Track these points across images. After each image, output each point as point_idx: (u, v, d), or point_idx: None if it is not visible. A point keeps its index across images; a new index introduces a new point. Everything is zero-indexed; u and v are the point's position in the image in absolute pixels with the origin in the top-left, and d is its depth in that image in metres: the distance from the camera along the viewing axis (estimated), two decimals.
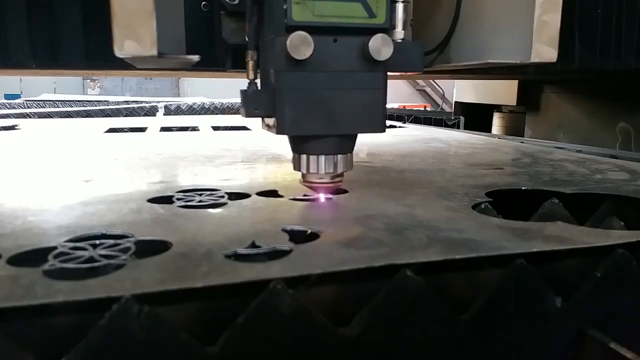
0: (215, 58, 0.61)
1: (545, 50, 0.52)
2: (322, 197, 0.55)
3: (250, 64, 0.50)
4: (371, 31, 0.47)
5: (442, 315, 0.35)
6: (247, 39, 0.50)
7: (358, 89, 0.49)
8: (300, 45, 0.45)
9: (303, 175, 0.53)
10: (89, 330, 0.28)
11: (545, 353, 0.38)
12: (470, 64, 0.60)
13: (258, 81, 0.51)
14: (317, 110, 0.48)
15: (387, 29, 0.48)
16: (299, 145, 0.52)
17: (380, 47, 0.47)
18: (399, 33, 0.51)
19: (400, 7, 0.51)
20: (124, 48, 0.46)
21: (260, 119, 0.53)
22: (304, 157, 0.52)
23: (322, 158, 0.51)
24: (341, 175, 0.53)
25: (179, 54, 0.56)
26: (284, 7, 0.45)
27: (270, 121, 0.50)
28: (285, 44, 0.45)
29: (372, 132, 0.51)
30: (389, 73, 0.51)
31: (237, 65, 0.57)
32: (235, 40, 0.54)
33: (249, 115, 0.49)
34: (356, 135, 0.53)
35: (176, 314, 0.31)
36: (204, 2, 0.59)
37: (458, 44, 0.61)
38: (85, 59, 0.63)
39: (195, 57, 0.56)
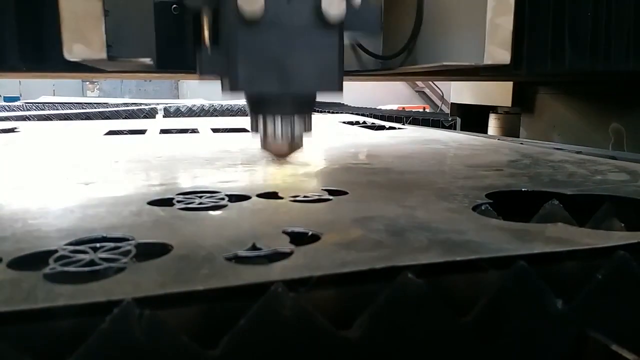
0: (186, 60, 0.61)
1: (498, 53, 0.53)
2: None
3: (206, 24, 0.49)
4: None
5: (443, 317, 0.35)
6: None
7: (312, 48, 0.48)
8: (251, 2, 0.44)
9: (261, 139, 0.52)
10: (90, 334, 0.28)
11: (546, 355, 0.38)
12: (430, 66, 0.60)
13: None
14: (271, 68, 0.47)
15: None
16: (255, 106, 0.51)
17: (333, 5, 0.46)
18: None
19: None
20: (73, 51, 0.46)
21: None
22: (260, 118, 0.51)
23: (278, 119, 0.51)
24: (300, 138, 0.52)
25: (142, 57, 0.57)
26: None
27: (227, 82, 0.49)
28: (237, 1, 0.44)
29: (326, 91, 0.50)
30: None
31: (206, 70, 0.58)
32: (196, 4, 0.53)
33: (203, 73, 0.48)
34: (314, 97, 0.52)
35: (177, 317, 0.31)
36: (174, 5, 0.59)
37: (422, 47, 0.61)
38: (66, 62, 0.63)
39: (148, 60, 0.56)
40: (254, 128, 0.51)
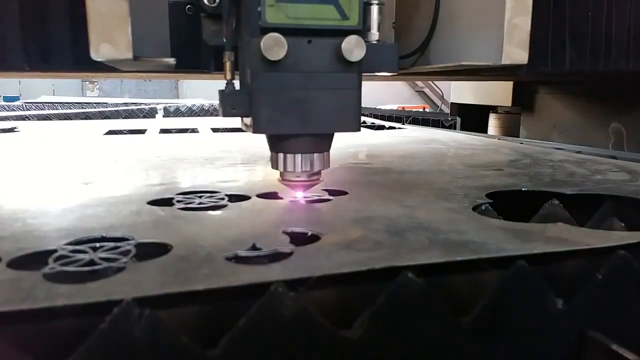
0: (200, 60, 0.61)
1: (516, 53, 0.53)
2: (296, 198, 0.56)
3: (228, 64, 0.50)
4: (344, 33, 0.48)
5: (443, 317, 0.35)
6: (224, 40, 0.50)
7: (332, 90, 0.50)
8: (274, 46, 0.46)
9: (281, 174, 0.54)
10: (90, 334, 0.28)
11: (547, 355, 0.38)
12: (446, 66, 0.60)
13: (237, 82, 0.52)
14: (292, 109, 0.49)
15: (360, 30, 0.49)
16: (276, 144, 0.52)
17: (353, 48, 0.47)
18: (374, 35, 0.52)
19: (375, 9, 0.52)
20: (99, 51, 0.46)
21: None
22: (280, 155, 0.52)
23: (299, 157, 0.52)
24: (318, 173, 0.53)
25: (162, 57, 0.57)
26: (259, 9, 0.46)
27: (248, 120, 0.51)
28: (260, 45, 0.45)
29: (346, 131, 0.52)
30: (366, 74, 0.52)
31: (220, 67, 0.58)
32: (215, 42, 0.55)
33: (226, 114, 0.50)
34: (332, 135, 0.53)
35: (177, 317, 0.31)
36: (188, 6, 0.59)
37: (437, 47, 0.61)
38: (74, 62, 0.63)
39: (172, 60, 0.56)
40: (274, 165, 0.53)
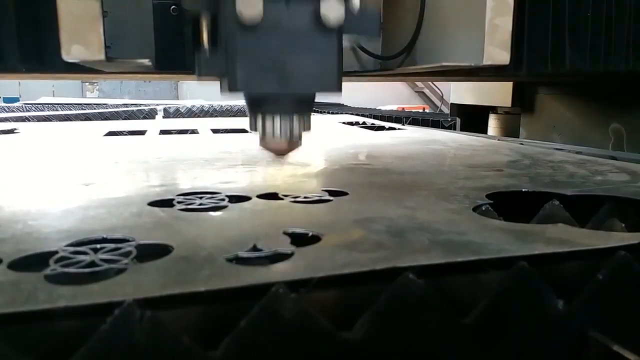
0: (185, 61, 0.61)
1: (498, 53, 0.53)
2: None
3: (205, 27, 0.49)
4: None
5: (444, 317, 0.35)
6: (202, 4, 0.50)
7: (311, 51, 0.49)
8: (250, 6, 0.44)
9: (260, 138, 0.53)
10: (91, 336, 0.28)
11: (548, 355, 0.38)
12: (430, 66, 0.60)
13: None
14: (270, 69, 0.48)
15: None
16: (254, 105, 0.51)
17: (332, 10, 0.46)
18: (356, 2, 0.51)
19: None
20: (71, 52, 0.46)
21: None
22: (259, 117, 0.51)
23: (277, 118, 0.51)
24: (299, 137, 0.52)
25: (145, 58, 0.57)
26: None
27: (225, 82, 0.50)
28: (235, 5, 0.44)
29: (326, 91, 0.51)
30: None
31: (204, 71, 0.58)
32: (194, 6, 0.54)
33: (202, 74, 0.49)
34: (313, 96, 0.52)
35: (178, 318, 0.31)
36: (173, 6, 0.59)
37: (422, 47, 0.62)
38: (66, 63, 0.64)
39: (147, 61, 0.56)
40: (253, 127, 0.52)
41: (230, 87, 0.48)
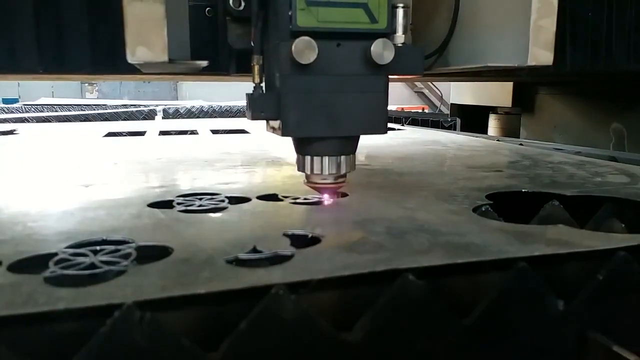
0: (219, 63, 0.61)
1: (541, 54, 0.53)
2: (322, 199, 0.55)
3: (256, 68, 0.51)
4: (373, 36, 0.48)
5: (444, 319, 0.35)
6: (252, 44, 0.51)
7: (361, 92, 0.50)
8: (305, 50, 0.46)
9: (307, 176, 0.54)
10: (91, 338, 0.28)
11: (548, 356, 0.38)
12: (469, 67, 0.60)
13: (263, 85, 0.52)
14: (321, 112, 0.50)
15: (389, 33, 0.49)
16: (303, 147, 0.52)
17: (382, 51, 0.48)
18: (400, 37, 0.52)
19: (400, 12, 0.52)
20: (136, 54, 0.47)
21: (263, 122, 0.54)
22: (307, 158, 0.52)
23: (326, 159, 0.52)
24: (344, 176, 0.54)
25: (184, 59, 0.57)
26: (289, 13, 0.46)
27: (276, 124, 0.51)
28: (291, 49, 0.46)
29: (374, 133, 0.53)
30: (390, 76, 0.52)
31: (241, 69, 0.58)
32: (240, 45, 0.55)
33: (254, 118, 0.50)
34: (358, 137, 0.54)
35: (178, 320, 0.31)
36: (208, 8, 0.60)
37: (456, 48, 0.61)
38: (92, 64, 0.64)
39: (204, 63, 0.57)
40: (300, 167, 0.54)
41: (284, 132, 0.50)
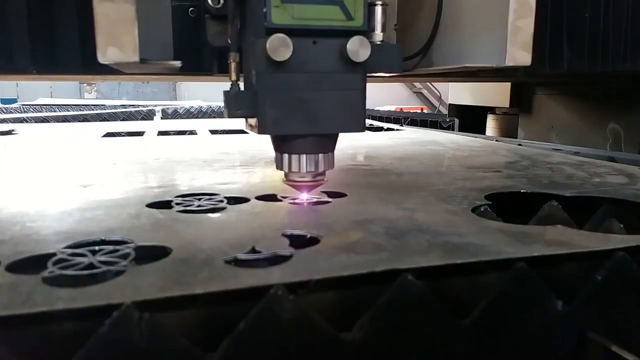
0: (203, 62, 0.61)
1: (519, 54, 0.53)
2: (308, 196, 0.56)
3: (233, 65, 0.51)
4: (350, 33, 0.48)
5: (443, 319, 0.35)
6: (229, 41, 0.51)
7: (337, 90, 0.50)
8: (280, 47, 0.46)
9: (285, 175, 0.54)
10: (89, 338, 0.28)
11: (547, 356, 0.38)
12: (449, 67, 0.61)
13: (241, 83, 0.52)
14: (297, 110, 0.49)
15: (366, 31, 0.49)
16: (281, 145, 0.53)
17: (358, 48, 0.48)
18: (378, 35, 0.52)
19: (379, 9, 0.52)
20: (106, 55, 0.47)
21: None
22: (285, 156, 0.52)
23: (304, 157, 0.52)
24: (323, 174, 0.54)
25: (165, 60, 0.57)
26: (264, 10, 0.46)
27: (253, 121, 0.51)
28: (265, 46, 0.45)
29: (351, 132, 0.52)
30: (377, 74, 0.52)
31: (223, 69, 0.58)
32: (219, 42, 0.55)
33: (231, 115, 0.50)
34: (337, 135, 0.54)
35: (177, 320, 0.31)
36: (191, 8, 0.59)
37: (439, 49, 0.62)
38: (82, 64, 0.64)
39: (178, 63, 0.57)
40: (279, 166, 0.54)
41: (260, 130, 0.49)
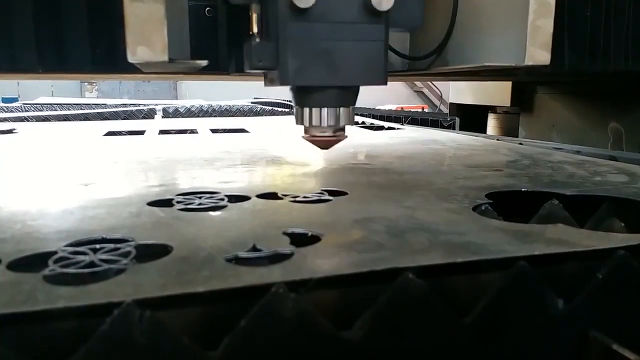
0: (219, 62, 0.61)
1: (539, 54, 0.53)
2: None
3: (254, 16, 0.50)
4: None
5: (444, 317, 0.35)
6: None
7: (360, 40, 0.49)
8: None
9: (305, 129, 0.54)
10: (90, 336, 0.28)
11: (548, 355, 0.38)
12: (468, 66, 0.60)
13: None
14: (320, 60, 0.49)
15: None
16: (301, 98, 0.52)
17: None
18: None
19: None
20: (136, 54, 0.47)
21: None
22: (306, 110, 0.52)
23: (325, 110, 0.51)
24: (343, 129, 0.53)
25: (184, 59, 0.57)
26: None
27: (274, 74, 0.50)
28: None
29: (373, 84, 0.52)
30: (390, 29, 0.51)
31: (240, 69, 0.58)
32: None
33: (253, 67, 0.50)
34: (358, 88, 0.53)
35: (178, 318, 0.31)
36: (208, 8, 0.59)
37: (455, 48, 0.62)
38: (92, 63, 0.64)
39: (203, 62, 0.57)
40: (299, 120, 0.53)
41: (282, 80, 0.49)
